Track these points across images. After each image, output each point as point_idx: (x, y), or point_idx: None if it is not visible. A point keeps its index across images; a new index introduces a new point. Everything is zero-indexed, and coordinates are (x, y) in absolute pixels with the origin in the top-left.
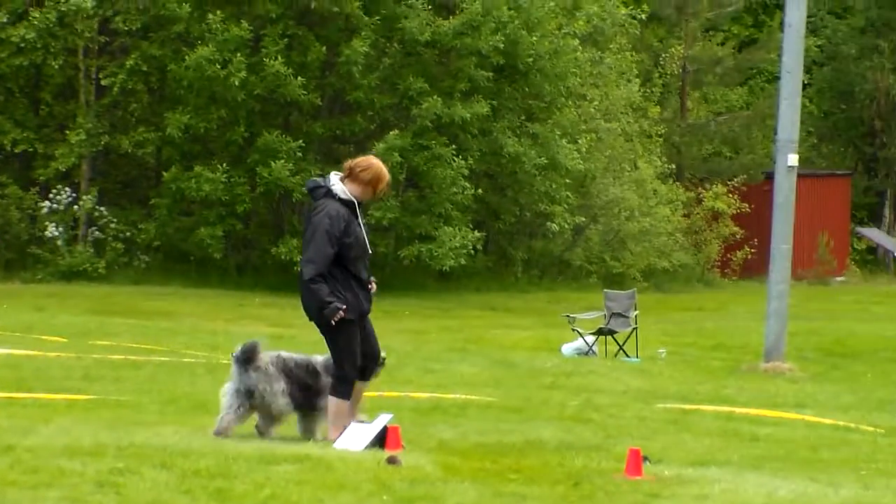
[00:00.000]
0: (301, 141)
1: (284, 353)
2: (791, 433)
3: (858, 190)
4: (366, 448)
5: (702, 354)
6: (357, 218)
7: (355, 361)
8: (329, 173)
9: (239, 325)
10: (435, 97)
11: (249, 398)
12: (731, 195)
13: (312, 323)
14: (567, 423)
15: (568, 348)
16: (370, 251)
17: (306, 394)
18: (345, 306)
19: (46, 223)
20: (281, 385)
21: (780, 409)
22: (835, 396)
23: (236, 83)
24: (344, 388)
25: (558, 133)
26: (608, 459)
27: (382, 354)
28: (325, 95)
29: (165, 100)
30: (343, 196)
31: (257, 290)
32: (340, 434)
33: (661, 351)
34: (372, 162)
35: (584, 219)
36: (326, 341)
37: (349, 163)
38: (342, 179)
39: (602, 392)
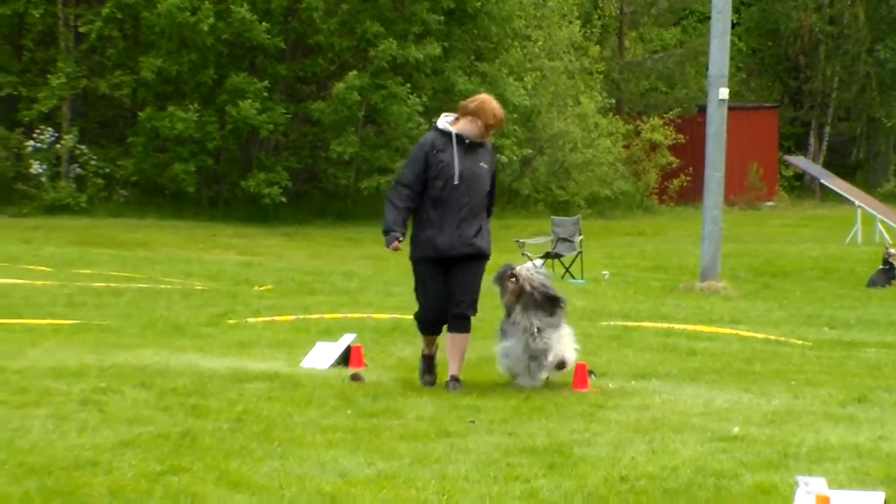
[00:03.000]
0: (266, 82)
1: None
2: (726, 347)
3: (785, 121)
4: (331, 366)
5: (642, 275)
6: (454, 152)
7: (424, 301)
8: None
9: (211, 254)
10: (390, 40)
11: None
12: (666, 127)
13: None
14: None
15: None
16: (466, 190)
17: None
18: (399, 239)
19: (31, 161)
20: None
21: (716, 324)
22: (766, 312)
23: (205, 28)
24: (418, 325)
25: (505, 71)
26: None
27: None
28: (288, 39)
29: (139, 45)
30: (439, 125)
31: (228, 222)
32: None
33: (604, 273)
34: (479, 95)
35: (531, 151)
36: None
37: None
38: (456, 119)
39: None
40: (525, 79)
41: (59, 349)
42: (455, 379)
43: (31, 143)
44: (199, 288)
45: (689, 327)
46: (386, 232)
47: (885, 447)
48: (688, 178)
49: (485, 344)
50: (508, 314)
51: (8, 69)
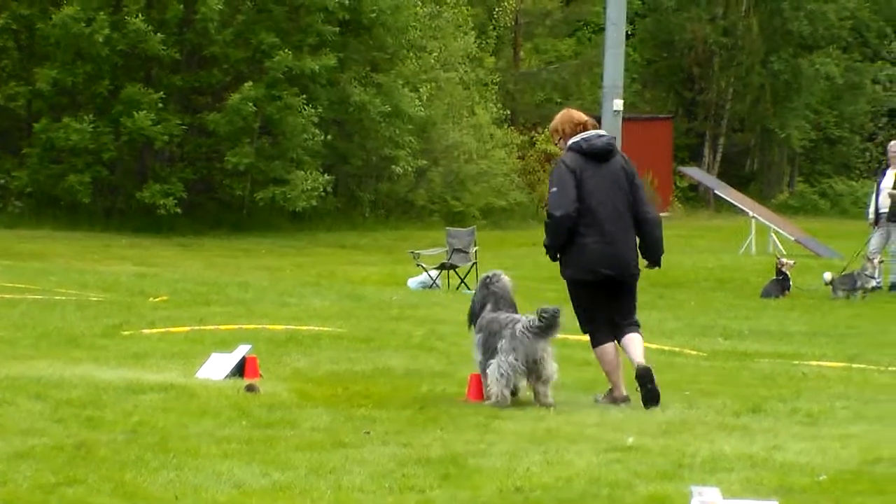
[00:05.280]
0: (161, 93)
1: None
2: (621, 357)
3: (680, 132)
4: (226, 377)
5: (537, 286)
6: None
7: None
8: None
9: (106, 265)
10: (286, 51)
11: (534, 365)
12: None
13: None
14: (413, 352)
15: (413, 282)
16: None
17: None
18: None
19: None
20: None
21: None
22: (661, 323)
23: (100, 39)
24: None
25: (401, 82)
26: (451, 385)
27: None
28: (183, 50)
29: (35, 56)
30: None
31: (123, 233)
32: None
33: None
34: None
35: (426, 162)
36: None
37: (587, 119)
38: None
39: (445, 322)
40: (420, 90)
41: None
42: None
43: None
44: (95, 299)
45: (584, 338)
46: None
47: (779, 457)
48: None
49: (379, 355)
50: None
51: None
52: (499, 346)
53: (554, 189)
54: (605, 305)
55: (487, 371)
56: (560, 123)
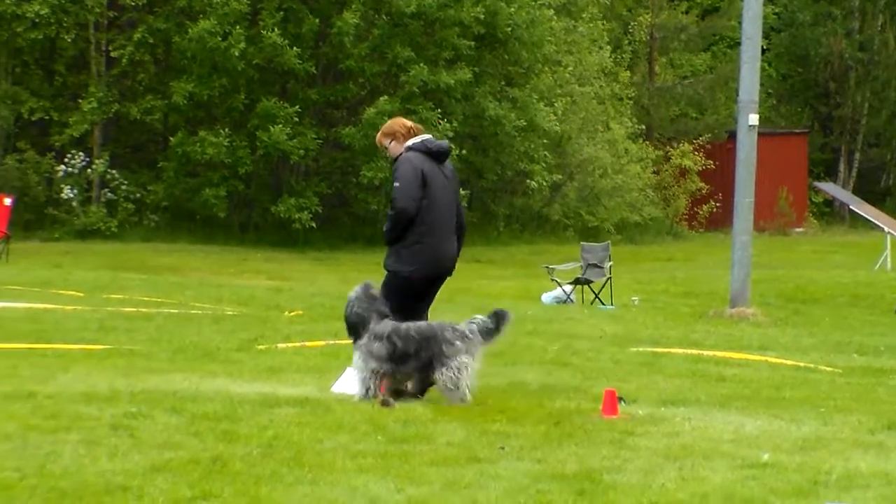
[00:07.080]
0: (297, 107)
1: None
2: (755, 374)
3: (815, 147)
4: None
5: (672, 301)
6: None
7: None
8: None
9: (242, 279)
10: (421, 65)
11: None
12: (696, 153)
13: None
14: (548, 367)
15: (547, 297)
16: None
17: None
18: None
19: (62, 186)
20: None
21: (745, 351)
22: (795, 339)
23: (236, 53)
24: None
25: (536, 97)
26: (586, 400)
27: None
28: (319, 64)
29: (171, 70)
30: None
31: (259, 247)
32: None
33: (634, 298)
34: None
35: (561, 176)
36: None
37: (414, 125)
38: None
39: (580, 337)
40: (555, 104)
41: (90, 374)
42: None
43: (63, 167)
44: (230, 313)
45: (719, 354)
46: None
47: None
48: (717, 204)
49: (514, 370)
50: None
51: (40, 94)
52: (444, 349)
53: (398, 184)
54: (419, 300)
55: (439, 376)
56: (395, 127)
